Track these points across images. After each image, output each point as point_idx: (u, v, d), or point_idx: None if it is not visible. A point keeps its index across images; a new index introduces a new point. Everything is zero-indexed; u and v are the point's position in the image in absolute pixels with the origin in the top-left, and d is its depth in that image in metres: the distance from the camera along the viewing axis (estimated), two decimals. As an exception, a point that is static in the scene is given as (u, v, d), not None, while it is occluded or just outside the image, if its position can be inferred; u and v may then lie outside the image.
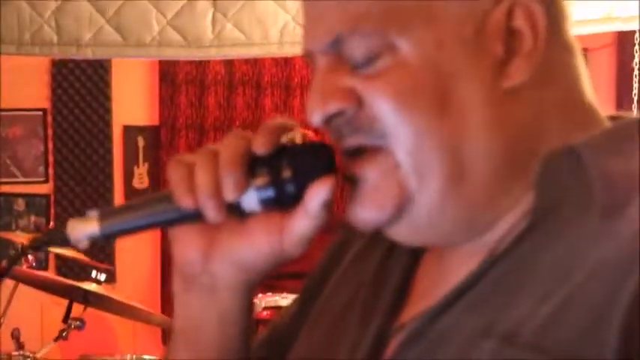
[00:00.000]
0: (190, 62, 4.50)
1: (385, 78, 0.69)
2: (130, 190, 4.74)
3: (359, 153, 0.72)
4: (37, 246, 0.79)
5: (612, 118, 0.76)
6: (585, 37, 4.00)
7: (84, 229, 0.74)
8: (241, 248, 0.76)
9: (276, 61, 4.56)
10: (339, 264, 0.88)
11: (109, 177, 4.71)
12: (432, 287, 0.74)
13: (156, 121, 4.74)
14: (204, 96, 4.62)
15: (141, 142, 4.74)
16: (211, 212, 0.73)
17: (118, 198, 4.72)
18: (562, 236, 0.66)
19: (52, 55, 3.19)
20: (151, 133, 4.74)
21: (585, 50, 4.47)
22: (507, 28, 0.69)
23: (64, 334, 3.12)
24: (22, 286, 3.22)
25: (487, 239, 0.71)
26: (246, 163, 0.73)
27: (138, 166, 4.75)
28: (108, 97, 4.66)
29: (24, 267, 3.48)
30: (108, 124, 4.68)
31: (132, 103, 4.76)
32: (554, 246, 0.66)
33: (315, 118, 0.71)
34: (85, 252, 4.16)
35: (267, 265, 0.77)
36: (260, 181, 0.73)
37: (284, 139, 0.74)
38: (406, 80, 0.68)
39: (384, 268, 0.81)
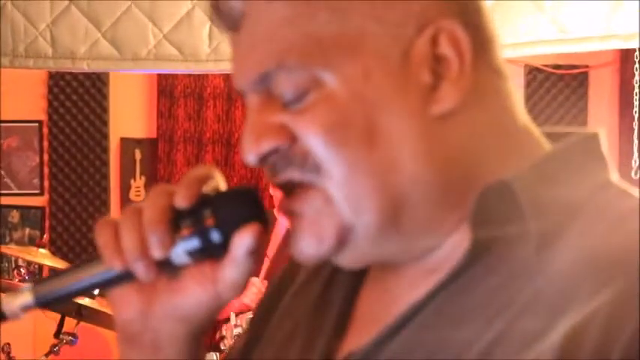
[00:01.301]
0: (189, 75, 4.50)
1: (313, 113, 0.69)
2: (126, 203, 4.71)
3: (293, 187, 0.72)
4: None
5: (549, 135, 0.76)
6: (586, 55, 4.01)
7: (18, 301, 0.75)
8: (178, 302, 0.76)
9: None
10: (285, 292, 0.90)
11: (106, 190, 4.70)
12: (376, 314, 0.75)
13: (153, 134, 4.73)
14: (202, 109, 4.61)
15: (138, 154, 4.73)
16: (142, 272, 0.74)
17: (115, 211, 4.70)
18: (499, 269, 0.68)
19: (47, 68, 3.19)
20: (149, 145, 4.73)
21: (586, 68, 4.48)
22: (433, 54, 0.69)
23: (55, 349, 3.12)
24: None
25: (429, 264, 0.72)
26: (169, 218, 0.73)
27: (135, 179, 4.73)
28: (105, 110, 4.66)
29: (16, 281, 3.47)
30: (105, 136, 4.67)
31: (129, 115, 4.76)
32: (492, 278, 0.67)
33: (250, 158, 0.71)
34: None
35: (206, 314, 0.77)
36: (185, 233, 0.73)
37: (206, 189, 0.75)
38: (333, 114, 0.68)
39: (325, 296, 0.82)
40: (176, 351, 0.78)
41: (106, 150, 4.67)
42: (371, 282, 0.79)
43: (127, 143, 4.72)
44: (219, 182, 0.76)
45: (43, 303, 0.76)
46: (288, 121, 0.70)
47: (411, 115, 0.68)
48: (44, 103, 4.64)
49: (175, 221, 0.73)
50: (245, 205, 0.74)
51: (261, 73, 0.71)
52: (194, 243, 0.73)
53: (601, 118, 4.48)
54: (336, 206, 0.70)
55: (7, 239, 4.61)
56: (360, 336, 0.74)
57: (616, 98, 4.46)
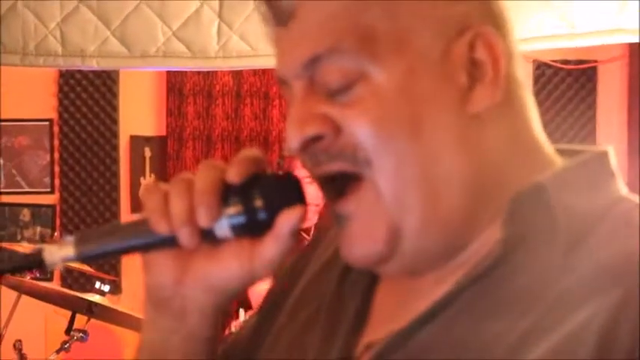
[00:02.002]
0: (198, 73, 4.51)
1: (362, 106, 0.71)
2: (136, 201, 4.72)
3: (338, 183, 0.74)
4: (14, 270, 0.79)
5: (559, 151, 0.79)
6: (595, 50, 4.00)
7: (60, 252, 0.76)
8: (213, 272, 0.78)
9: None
10: (298, 280, 0.91)
11: (116, 188, 4.70)
12: (399, 309, 0.76)
13: (163, 132, 4.73)
14: (211, 107, 4.62)
15: (148, 152, 4.73)
16: (185, 238, 0.75)
17: (125, 209, 4.72)
18: (528, 268, 0.70)
19: (57, 66, 3.19)
20: (158, 143, 4.73)
21: (595, 62, 4.46)
22: (470, 58, 0.72)
23: (66, 346, 3.13)
24: (25, 297, 3.22)
25: (454, 264, 0.74)
26: (219, 191, 0.75)
27: (144, 177, 4.73)
28: (115, 108, 4.66)
29: (27, 278, 3.48)
30: (115, 134, 4.68)
31: (139, 113, 4.76)
32: (520, 277, 0.70)
33: (294, 142, 0.73)
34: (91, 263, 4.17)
35: (236, 288, 0.79)
36: (232, 209, 0.75)
37: (256, 169, 0.77)
38: (382, 107, 0.71)
39: (342, 290, 0.83)
40: (201, 321, 0.80)
41: (115, 148, 4.67)
42: (387, 281, 0.81)
43: (136, 141, 4.72)
44: (267, 166, 0.78)
45: (84, 258, 0.77)
46: (333, 112, 0.72)
47: (450, 110, 0.72)
48: (54, 102, 4.64)
49: (224, 195, 0.75)
50: (291, 190, 0.76)
51: (313, 54, 0.72)
52: (240, 219, 0.75)
53: (610, 113, 4.47)
54: (386, 202, 0.72)
55: (19, 237, 4.62)
56: (380, 330, 0.76)
57: (625, 93, 4.45)
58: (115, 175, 4.69)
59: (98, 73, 4.53)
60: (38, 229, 4.67)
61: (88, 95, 4.63)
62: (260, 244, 0.76)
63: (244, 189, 0.75)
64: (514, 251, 0.71)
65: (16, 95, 4.47)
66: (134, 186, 4.72)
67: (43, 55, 2.76)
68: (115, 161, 4.68)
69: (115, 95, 4.65)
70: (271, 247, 0.76)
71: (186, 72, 4.43)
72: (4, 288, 3.35)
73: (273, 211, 0.75)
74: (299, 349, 0.82)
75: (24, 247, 3.62)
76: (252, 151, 0.78)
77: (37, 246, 0.77)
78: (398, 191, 0.72)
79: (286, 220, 0.75)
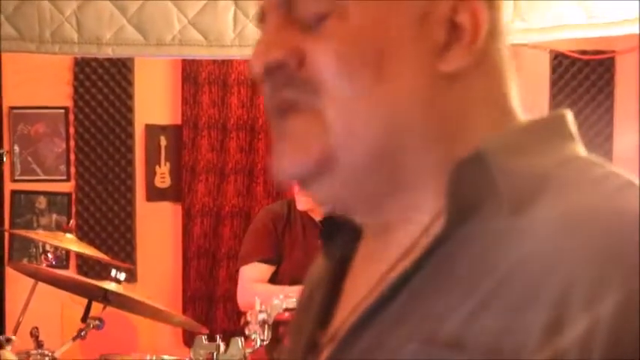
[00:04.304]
0: (213, 62, 4.50)
1: (329, 38, 0.70)
2: (151, 190, 4.74)
3: (286, 110, 0.73)
4: None
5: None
6: (612, 40, 3.97)
7: None
8: None
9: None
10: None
11: (131, 176, 4.70)
12: (361, 291, 0.75)
13: (178, 121, 4.72)
14: (226, 95, 4.61)
15: (163, 141, 4.73)
16: None
17: (140, 197, 4.72)
18: (476, 238, 0.68)
19: (73, 54, 3.20)
20: (174, 132, 4.73)
21: (613, 53, 4.43)
22: (451, 20, 0.71)
23: (82, 334, 3.14)
24: (42, 285, 3.23)
25: (411, 236, 0.73)
26: None
27: (160, 166, 4.74)
28: (130, 96, 4.66)
29: (44, 265, 3.50)
30: (130, 122, 4.67)
31: (154, 102, 4.76)
32: (469, 249, 0.68)
33: (257, 66, 0.72)
34: (106, 251, 4.18)
35: None
36: None
37: None
38: (349, 42, 0.70)
39: (314, 286, 0.83)
40: None
41: (131, 136, 4.67)
42: (356, 269, 0.80)
43: (151, 130, 4.72)
44: None
45: None
46: (302, 42, 0.71)
47: (420, 63, 0.71)
48: (70, 90, 4.63)
49: None
50: None
51: None
52: None
53: (628, 103, 4.45)
54: (328, 127, 0.71)
55: (35, 225, 4.63)
56: (345, 315, 0.75)
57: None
58: (131, 163, 4.68)
59: (113, 61, 4.53)
60: (54, 216, 4.67)
61: (103, 83, 4.63)
62: None
63: None
64: (460, 224, 0.69)
65: (32, 83, 4.48)
66: (149, 174, 4.73)
67: (58, 43, 2.77)
68: (130, 149, 4.68)
69: (130, 83, 4.64)
70: None
71: (201, 60, 4.41)
72: (21, 275, 3.37)
73: None
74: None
75: (39, 235, 3.64)
76: None
77: None
78: (346, 122, 0.70)
79: None
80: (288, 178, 0.75)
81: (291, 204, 3.58)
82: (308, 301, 0.85)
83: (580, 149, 0.76)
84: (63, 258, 4.52)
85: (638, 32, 2.60)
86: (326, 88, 0.70)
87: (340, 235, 0.83)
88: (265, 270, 3.47)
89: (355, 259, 0.80)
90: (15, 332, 3.27)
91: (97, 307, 3.20)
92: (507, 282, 0.63)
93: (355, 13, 0.70)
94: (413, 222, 0.73)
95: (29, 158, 4.64)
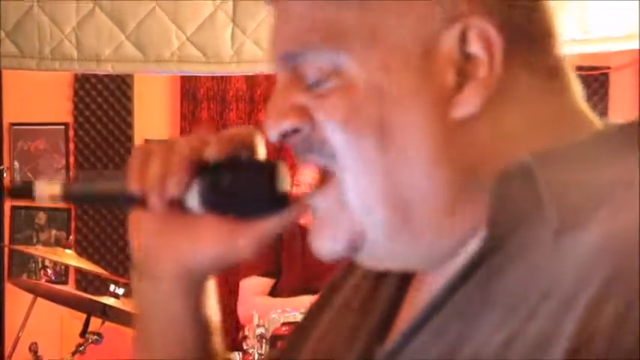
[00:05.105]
0: (212, 78, 4.52)
1: (332, 100, 0.68)
2: None
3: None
4: (10, 195, 0.85)
5: None
6: (607, 56, 3.99)
7: (48, 189, 0.81)
8: (187, 245, 0.80)
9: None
10: (344, 284, 0.89)
11: (130, 191, 4.71)
12: (410, 314, 0.73)
13: (177, 136, 4.73)
14: (225, 111, 4.63)
15: (162, 156, 4.75)
16: (153, 201, 0.78)
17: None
18: (517, 259, 0.64)
19: (72, 70, 3.21)
20: (172, 147, 4.75)
21: (607, 69, 4.44)
22: (461, 52, 0.66)
23: (81, 349, 3.15)
24: (41, 300, 3.24)
25: (453, 265, 0.69)
26: (194, 164, 0.77)
27: (159, 181, 4.76)
28: (130, 112, 4.67)
29: (43, 281, 3.51)
30: (130, 138, 4.69)
31: (154, 118, 4.77)
32: (510, 270, 0.64)
33: (272, 135, 0.72)
34: (105, 266, 4.19)
35: (209, 266, 0.81)
36: (201, 185, 0.77)
37: (239, 149, 0.78)
38: (351, 104, 0.67)
39: (373, 294, 0.81)
40: (172, 291, 0.82)
41: (130, 151, 4.66)
42: (415, 282, 0.77)
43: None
44: (256, 149, 0.79)
45: (68, 198, 0.82)
46: (310, 103, 0.69)
47: (429, 115, 0.66)
48: (70, 106, 4.65)
49: (199, 169, 0.77)
50: (264, 178, 0.77)
51: (287, 52, 0.71)
52: (208, 196, 0.77)
53: (622, 119, 4.46)
54: (350, 204, 0.69)
55: (34, 240, 4.63)
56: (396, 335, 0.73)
57: (636, 99, 4.44)
58: (130, 179, 4.71)
59: (113, 78, 4.54)
60: (53, 232, 4.68)
61: (103, 99, 4.65)
62: (237, 227, 0.78)
63: (219, 167, 0.77)
64: (505, 241, 0.64)
65: (32, 99, 4.50)
66: None
67: (58, 60, 2.78)
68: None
69: (129, 99, 4.66)
70: (247, 235, 0.78)
71: (200, 77, 4.43)
72: (20, 291, 3.38)
73: (238, 194, 0.77)
74: (330, 353, 0.81)
75: (39, 250, 3.65)
76: (239, 131, 0.79)
77: (29, 180, 0.82)
78: (362, 199, 0.68)
79: (293, 206, 0.77)
80: (326, 257, 0.73)
81: None
82: (345, 309, 0.84)
83: None
84: (62, 273, 4.52)
85: (632, 48, 2.62)
86: (339, 155, 0.68)
87: None
88: (265, 283, 3.47)
89: (414, 279, 0.78)
90: (14, 347, 3.28)
91: (95, 322, 3.23)
92: (540, 307, 0.59)
93: (353, 72, 0.67)
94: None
95: (29, 174, 4.65)
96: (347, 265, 0.90)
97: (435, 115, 0.66)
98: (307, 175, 3.45)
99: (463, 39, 0.66)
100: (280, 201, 0.78)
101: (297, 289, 3.31)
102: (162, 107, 4.75)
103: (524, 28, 0.68)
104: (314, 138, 0.70)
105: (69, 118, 4.66)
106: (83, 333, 3.19)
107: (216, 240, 0.79)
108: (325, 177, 0.72)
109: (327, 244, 0.72)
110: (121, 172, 0.80)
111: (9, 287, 4.29)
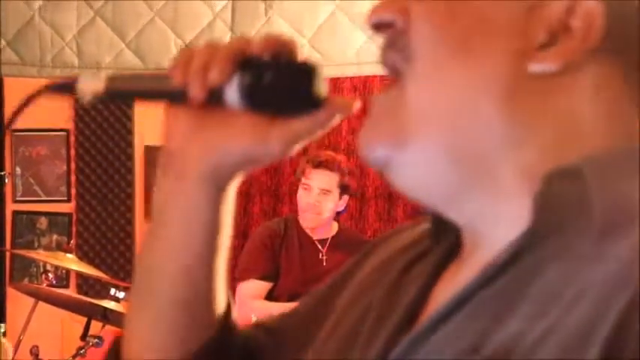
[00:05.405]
0: (210, 84, 4.53)
1: (433, 4, 0.69)
2: (150, 210, 4.71)
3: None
4: (52, 89, 0.84)
5: None
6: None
7: (92, 84, 0.80)
8: (221, 135, 0.80)
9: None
10: (357, 272, 0.89)
11: (130, 196, 4.72)
12: (439, 304, 0.70)
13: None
14: (223, 117, 4.64)
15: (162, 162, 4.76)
16: (194, 91, 0.78)
17: (139, 216, 4.74)
18: (557, 258, 0.63)
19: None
20: (172, 153, 4.77)
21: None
22: (562, 21, 0.66)
23: (82, 352, 3.15)
24: (42, 304, 3.26)
25: (487, 251, 0.68)
26: (238, 58, 0.77)
27: (158, 186, 4.77)
28: (130, 118, 4.69)
29: (44, 285, 3.53)
30: (129, 144, 4.70)
31: (153, 124, 4.70)
32: (548, 267, 0.62)
33: (370, 20, 0.72)
34: (106, 270, 4.22)
35: (239, 160, 0.81)
36: (242, 77, 0.77)
37: (283, 52, 0.79)
38: (449, 14, 0.68)
39: (401, 283, 0.79)
40: (196, 186, 0.82)
41: (130, 158, 4.70)
42: (447, 274, 0.76)
43: (151, 151, 4.71)
44: (296, 52, 0.79)
45: (111, 94, 0.82)
46: (412, 4, 0.70)
47: (510, 55, 0.66)
48: (71, 113, 4.66)
49: (242, 65, 0.78)
50: (305, 78, 0.78)
51: None
52: (246, 88, 0.77)
53: None
54: (405, 105, 0.69)
55: (36, 245, 4.65)
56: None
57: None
58: (130, 184, 4.71)
59: None
60: (55, 236, 4.70)
61: (103, 106, 4.62)
62: (274, 124, 0.78)
63: (262, 63, 0.78)
64: (542, 240, 0.64)
65: (34, 106, 4.50)
66: (148, 194, 4.68)
67: (59, 67, 2.82)
68: (130, 170, 4.71)
69: (129, 106, 4.64)
70: (300, 124, 0.78)
71: None
72: (21, 295, 3.40)
73: (279, 93, 0.78)
74: (350, 342, 0.78)
75: (40, 254, 3.67)
76: (285, 39, 0.79)
77: (75, 74, 0.79)
78: (420, 108, 0.68)
79: (338, 105, 0.78)
80: (365, 157, 0.72)
81: (287, 222, 3.61)
82: (384, 305, 0.80)
83: None
84: (63, 277, 4.55)
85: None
86: (415, 57, 0.68)
87: (445, 241, 0.79)
88: (263, 287, 3.48)
89: (446, 272, 0.76)
90: (15, 351, 3.30)
91: (96, 326, 3.23)
92: (574, 307, 0.58)
93: None
94: (500, 235, 0.67)
95: (30, 180, 4.68)
96: (353, 265, 0.90)
97: (515, 57, 0.66)
98: (317, 180, 3.50)
99: (570, 11, 0.66)
100: (317, 102, 0.78)
101: (295, 294, 3.31)
102: (161, 114, 4.75)
103: (629, 31, 0.68)
104: (401, 36, 0.70)
105: (70, 125, 4.68)
106: (84, 336, 3.18)
107: (249, 134, 0.79)
108: (393, 78, 0.71)
109: (370, 140, 0.71)
110: (164, 72, 0.81)
111: (10, 291, 4.32)
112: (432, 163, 0.68)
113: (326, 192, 3.48)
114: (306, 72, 0.78)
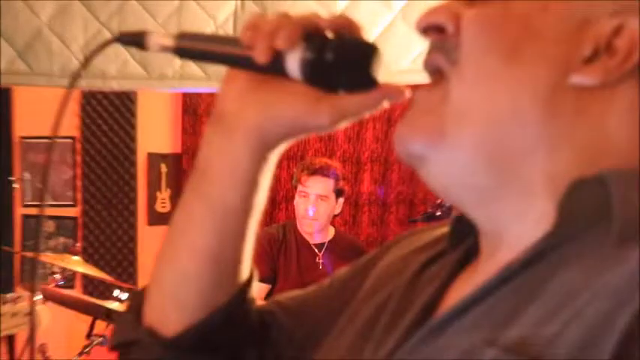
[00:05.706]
0: (212, 94, 4.53)
1: (484, 10, 0.70)
2: (152, 214, 4.81)
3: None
4: (122, 40, 0.85)
5: None
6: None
7: (163, 40, 0.82)
8: (275, 98, 0.81)
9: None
10: (376, 268, 0.91)
11: (133, 201, 4.77)
12: (457, 300, 0.71)
13: (178, 149, 4.80)
14: (224, 125, 4.70)
15: (164, 168, 4.81)
16: (258, 52, 0.78)
17: (142, 221, 4.79)
18: (577, 259, 0.64)
19: (80, 87, 3.29)
20: (174, 160, 4.81)
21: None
22: (607, 40, 0.68)
23: (87, 350, 3.21)
24: (49, 304, 3.33)
25: (506, 253, 0.70)
26: (306, 29, 0.78)
27: (160, 191, 4.81)
28: (133, 127, 4.74)
29: (52, 285, 3.60)
30: (133, 151, 4.76)
31: (156, 132, 4.83)
32: (567, 268, 0.64)
33: (420, 23, 0.74)
34: (110, 272, 4.28)
35: (288, 125, 0.81)
36: (306, 49, 0.78)
37: (350, 31, 0.80)
38: (499, 21, 0.69)
39: (417, 282, 0.81)
40: (244, 144, 0.82)
41: (134, 164, 4.76)
42: (463, 276, 0.77)
43: (153, 158, 4.80)
44: (360, 33, 0.80)
45: (179, 51, 0.83)
46: (463, 10, 0.71)
47: (553, 65, 0.67)
48: (77, 121, 4.71)
49: (309, 37, 0.79)
50: (367, 58, 0.79)
51: None
52: (308, 63, 0.78)
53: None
54: (446, 103, 0.69)
55: (43, 247, 4.62)
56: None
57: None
58: (133, 189, 4.77)
59: (118, 94, 4.61)
60: (61, 239, 4.76)
61: (108, 114, 4.72)
62: (326, 97, 0.79)
63: (327, 39, 0.79)
64: (563, 244, 0.65)
65: (41, 114, 4.55)
66: (151, 200, 4.81)
67: (67, 77, 2.89)
68: (133, 177, 4.76)
69: (133, 114, 4.73)
70: (353, 100, 0.78)
71: (200, 93, 4.50)
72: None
73: (340, 70, 0.78)
74: (366, 335, 0.80)
75: (48, 257, 3.73)
76: (351, 20, 0.80)
77: (144, 30, 0.83)
78: (461, 109, 0.69)
79: (390, 88, 0.78)
80: (400, 151, 0.72)
81: (286, 228, 3.67)
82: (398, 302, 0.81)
83: None
84: (69, 279, 4.58)
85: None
86: (463, 61, 0.69)
87: (462, 246, 0.80)
88: (262, 288, 3.52)
89: (463, 273, 0.78)
90: (24, 349, 3.36)
91: (101, 325, 3.31)
92: (589, 306, 0.58)
93: (516, 1, 0.69)
94: (521, 236, 0.69)
95: (39, 185, 4.71)
96: (372, 258, 0.92)
97: (559, 67, 0.67)
98: (313, 186, 3.55)
99: (616, 32, 0.67)
100: (371, 83, 0.78)
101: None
102: (164, 122, 4.82)
103: None
104: (450, 40, 0.71)
105: (76, 132, 4.72)
106: (89, 335, 3.25)
107: (301, 102, 0.79)
108: (437, 78, 0.72)
109: (408, 134, 0.72)
110: (234, 36, 0.81)
111: (20, 292, 4.38)
112: (466, 162, 0.69)
113: (323, 198, 3.55)
114: (366, 53, 0.78)
